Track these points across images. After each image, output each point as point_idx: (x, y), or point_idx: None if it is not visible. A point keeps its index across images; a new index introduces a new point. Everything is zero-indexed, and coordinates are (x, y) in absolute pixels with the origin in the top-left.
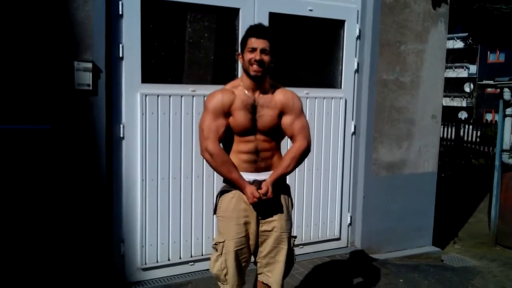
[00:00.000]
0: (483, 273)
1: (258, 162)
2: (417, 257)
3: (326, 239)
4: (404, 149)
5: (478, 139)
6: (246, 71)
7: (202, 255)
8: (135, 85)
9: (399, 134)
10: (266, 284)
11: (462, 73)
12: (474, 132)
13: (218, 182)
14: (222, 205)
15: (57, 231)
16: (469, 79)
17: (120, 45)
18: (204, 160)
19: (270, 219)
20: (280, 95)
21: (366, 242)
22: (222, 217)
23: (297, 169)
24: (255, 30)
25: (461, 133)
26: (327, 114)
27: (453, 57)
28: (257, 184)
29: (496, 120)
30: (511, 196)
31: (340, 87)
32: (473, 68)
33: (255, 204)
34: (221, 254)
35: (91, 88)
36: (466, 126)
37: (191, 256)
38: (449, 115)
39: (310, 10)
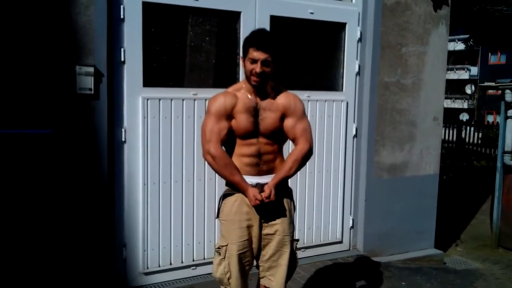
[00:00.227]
0: (485, 276)
1: (261, 165)
2: (419, 260)
3: (328, 242)
4: (406, 151)
5: (479, 141)
6: (247, 77)
7: (204, 259)
8: (136, 89)
9: (400, 136)
10: None
11: (463, 75)
12: (476, 134)
13: (220, 186)
14: (225, 209)
15: (60, 235)
16: (470, 81)
17: (122, 49)
18: (206, 163)
19: (273, 222)
20: (282, 98)
21: (368, 245)
22: (225, 221)
23: (298, 172)
24: (256, 41)
25: (463, 135)
26: (329, 117)
27: (454, 59)
28: (260, 187)
29: (497, 122)
30: None
31: (342, 90)
32: (474, 70)
33: (257, 207)
34: (224, 257)
35: (92, 92)
36: (468, 128)
37: (193, 260)
38: (450, 117)
39: (311, 13)
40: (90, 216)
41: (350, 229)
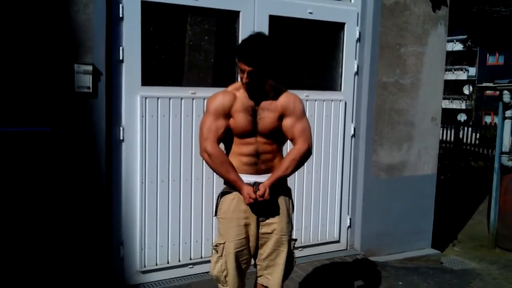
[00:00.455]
0: (482, 276)
1: (259, 165)
2: (416, 260)
3: (325, 241)
4: (404, 151)
5: (477, 141)
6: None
7: (201, 257)
8: (135, 88)
9: (399, 136)
10: (266, 287)
11: (462, 76)
12: (473, 134)
13: (217, 185)
14: (223, 207)
15: (57, 234)
16: (468, 81)
17: (121, 48)
18: (204, 162)
19: (270, 221)
20: (281, 98)
21: (366, 244)
22: (223, 219)
23: (297, 171)
24: (242, 53)
25: (461, 136)
26: (327, 117)
27: (452, 59)
28: (256, 186)
29: (495, 122)
30: (510, 198)
31: (340, 90)
32: (472, 71)
33: (252, 206)
34: (221, 255)
35: (91, 90)
36: (466, 129)
37: (190, 259)
38: (448, 117)
39: (310, 13)
40: (87, 214)
41: (348, 228)
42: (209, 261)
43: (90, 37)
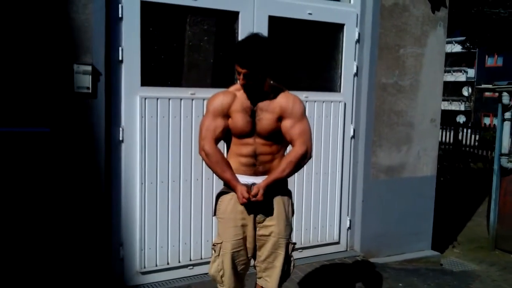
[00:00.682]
0: (482, 277)
1: (257, 166)
2: (416, 261)
3: (325, 243)
4: (403, 152)
5: (476, 143)
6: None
7: (201, 258)
8: (134, 88)
9: (398, 137)
10: None
11: (460, 77)
12: (473, 136)
13: (217, 185)
14: (221, 207)
15: (56, 234)
16: (467, 83)
17: (120, 48)
18: (204, 163)
19: (268, 223)
20: (281, 99)
21: (365, 246)
22: (221, 218)
23: (296, 173)
24: (237, 55)
25: (460, 137)
26: (326, 118)
27: (451, 61)
28: (252, 186)
29: (494, 124)
30: (509, 200)
31: (339, 91)
32: (471, 72)
33: (247, 206)
34: (218, 255)
35: (90, 91)
36: (465, 130)
37: (190, 260)
38: (447, 119)
39: (310, 14)
40: (87, 215)
41: (347, 230)
42: (209, 262)
43: (90, 37)
